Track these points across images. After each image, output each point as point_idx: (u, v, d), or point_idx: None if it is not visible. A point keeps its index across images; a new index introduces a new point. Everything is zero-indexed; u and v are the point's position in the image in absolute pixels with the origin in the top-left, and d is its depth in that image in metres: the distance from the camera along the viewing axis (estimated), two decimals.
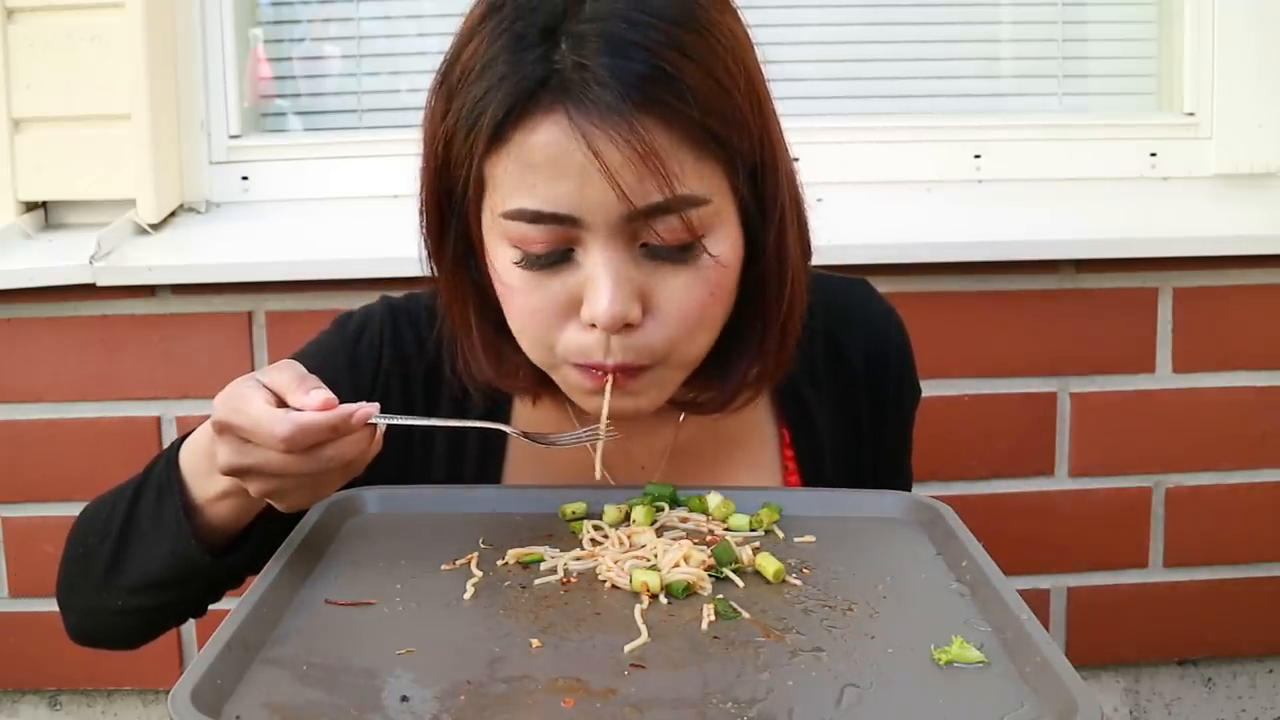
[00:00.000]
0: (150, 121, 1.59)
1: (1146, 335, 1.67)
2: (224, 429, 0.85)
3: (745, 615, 0.85)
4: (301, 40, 1.80)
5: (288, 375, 0.87)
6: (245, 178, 1.72)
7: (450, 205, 0.96)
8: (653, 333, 0.92)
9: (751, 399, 1.04)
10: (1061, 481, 1.69)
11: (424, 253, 1.02)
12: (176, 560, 0.97)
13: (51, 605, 1.64)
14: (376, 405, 0.86)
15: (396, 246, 1.58)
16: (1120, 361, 1.67)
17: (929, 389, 1.67)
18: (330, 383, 0.94)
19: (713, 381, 1.01)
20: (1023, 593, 0.85)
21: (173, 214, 1.67)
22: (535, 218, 0.89)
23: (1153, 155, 1.75)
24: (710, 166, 0.90)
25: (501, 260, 0.93)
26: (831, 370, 1.13)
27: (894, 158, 1.74)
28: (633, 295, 0.90)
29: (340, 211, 1.70)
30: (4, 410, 1.63)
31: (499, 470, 1.09)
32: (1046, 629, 0.80)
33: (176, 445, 1.00)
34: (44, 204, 1.68)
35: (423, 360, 1.08)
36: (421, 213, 1.00)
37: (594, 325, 0.91)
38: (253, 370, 1.61)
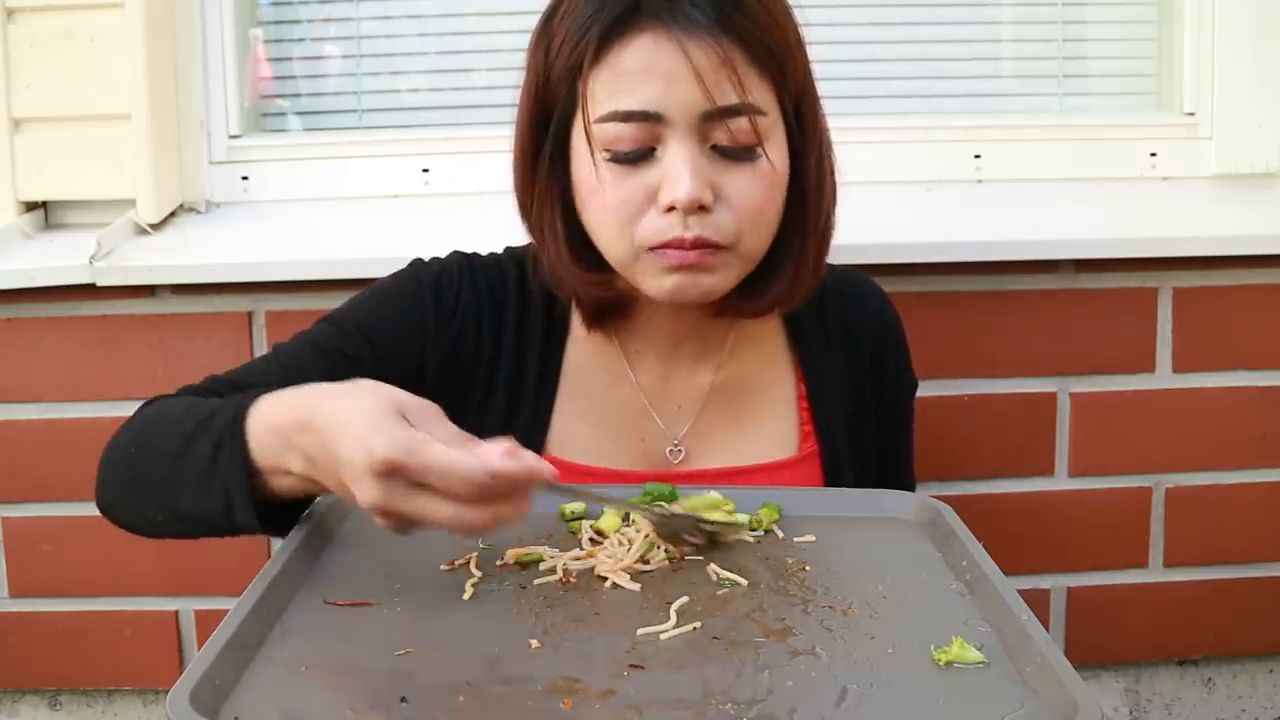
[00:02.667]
0: (150, 121, 1.59)
1: (1146, 335, 1.67)
2: (394, 471, 0.82)
3: (743, 582, 0.88)
4: (301, 40, 1.80)
5: (444, 425, 0.86)
6: (245, 178, 1.72)
7: (546, 126, 1.12)
8: (723, 217, 1.07)
9: (784, 307, 1.19)
10: (1061, 481, 1.69)
11: (516, 178, 1.16)
12: (221, 517, 0.97)
13: (52, 605, 1.66)
14: (552, 468, 0.85)
15: (396, 246, 1.59)
16: (1120, 361, 1.67)
17: (929, 389, 1.67)
18: (415, 310, 1.19)
19: (755, 288, 1.14)
20: (1023, 593, 0.85)
21: (173, 214, 1.67)
22: (626, 117, 1.05)
23: (1153, 155, 1.75)
24: (768, 87, 1.08)
25: (592, 163, 1.08)
26: (843, 340, 1.25)
27: (894, 158, 1.74)
28: (705, 183, 1.06)
29: (340, 211, 1.70)
30: (4, 410, 1.62)
31: (549, 414, 1.19)
32: (1046, 629, 0.80)
33: (240, 405, 0.96)
34: (44, 204, 1.68)
35: (492, 302, 1.21)
36: (518, 142, 1.15)
37: (671, 209, 1.05)
38: None
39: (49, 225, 1.68)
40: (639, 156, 1.06)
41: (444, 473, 0.81)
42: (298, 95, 1.81)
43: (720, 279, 1.10)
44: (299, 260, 1.59)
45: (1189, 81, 1.75)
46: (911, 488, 1.32)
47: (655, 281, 1.09)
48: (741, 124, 1.06)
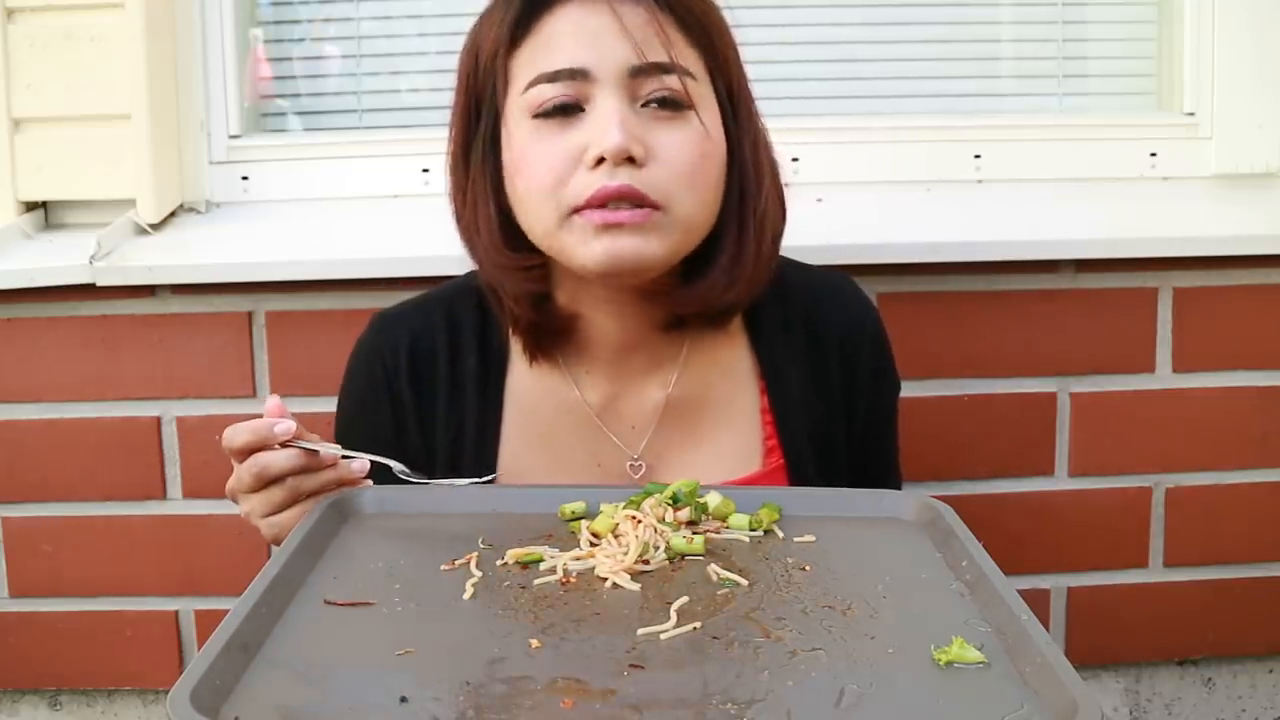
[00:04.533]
0: (150, 121, 1.59)
1: (1146, 335, 1.67)
2: None
3: (743, 582, 0.88)
4: (301, 40, 1.80)
5: None
6: (245, 178, 1.72)
7: (478, 113, 1.12)
8: (654, 173, 1.06)
9: (734, 312, 1.17)
10: (1061, 481, 1.68)
11: (450, 176, 1.17)
12: None
13: (52, 605, 1.66)
14: (292, 426, 1.01)
15: (396, 246, 1.59)
16: (1120, 361, 1.67)
17: (930, 389, 1.67)
18: (370, 404, 1.20)
19: (696, 291, 1.13)
20: (1023, 593, 0.85)
21: (173, 214, 1.67)
22: (553, 77, 1.06)
23: (1153, 155, 1.75)
24: (696, 55, 1.09)
25: (521, 132, 1.08)
26: (809, 348, 1.21)
27: (894, 158, 1.74)
28: (634, 137, 1.05)
29: (340, 211, 1.70)
30: (4, 410, 1.62)
31: (494, 450, 1.18)
32: (1046, 629, 0.80)
33: None
34: (44, 204, 1.68)
35: (418, 353, 1.21)
36: (452, 138, 1.16)
37: (600, 161, 1.04)
38: (251, 370, 1.63)
39: (49, 225, 1.68)
40: (566, 110, 1.06)
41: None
42: (298, 95, 1.81)
43: (654, 243, 1.06)
44: (299, 260, 1.59)
45: (1189, 81, 1.75)
46: (897, 487, 1.31)
47: (585, 250, 1.06)
48: (671, 80, 1.06)
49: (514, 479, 1.17)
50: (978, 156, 1.74)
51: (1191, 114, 1.75)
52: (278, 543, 1.04)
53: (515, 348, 1.20)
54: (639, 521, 0.96)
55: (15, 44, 1.60)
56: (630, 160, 1.04)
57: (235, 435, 1.02)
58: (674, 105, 1.07)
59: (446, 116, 1.80)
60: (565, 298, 1.15)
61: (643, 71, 1.06)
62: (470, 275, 1.22)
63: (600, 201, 1.04)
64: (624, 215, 1.04)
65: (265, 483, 1.02)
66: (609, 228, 1.05)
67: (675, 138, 1.07)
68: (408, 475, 1.04)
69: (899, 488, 1.30)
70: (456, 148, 1.15)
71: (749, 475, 1.18)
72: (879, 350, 1.26)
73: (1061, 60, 1.81)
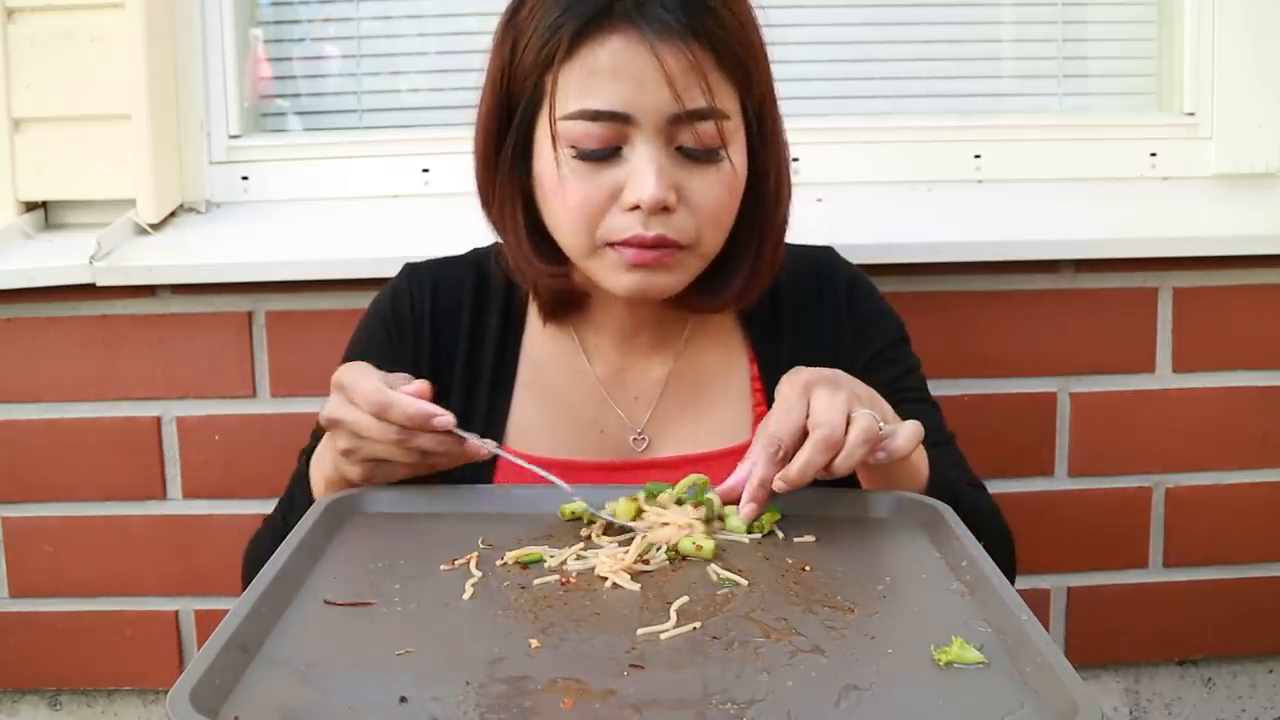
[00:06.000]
0: (150, 121, 1.59)
1: (1146, 335, 1.67)
2: (338, 387, 1.03)
3: (743, 582, 0.88)
4: (301, 40, 1.80)
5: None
6: (245, 178, 1.72)
7: (509, 120, 1.13)
8: (684, 218, 1.09)
9: (740, 305, 1.22)
10: (1061, 481, 1.69)
11: (477, 170, 1.18)
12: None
13: (52, 605, 1.66)
14: (453, 420, 1.01)
15: (396, 246, 1.59)
16: (1120, 361, 1.67)
17: (930, 389, 1.67)
18: (387, 348, 1.22)
19: (713, 286, 1.18)
20: (1023, 593, 0.85)
21: (173, 214, 1.67)
22: (595, 116, 1.07)
23: (1153, 155, 1.75)
24: (733, 91, 1.10)
25: (557, 157, 1.09)
26: (796, 324, 1.26)
27: (894, 158, 1.74)
28: (670, 185, 1.08)
29: (340, 211, 1.70)
30: (4, 410, 1.63)
31: (506, 408, 1.22)
32: (1046, 629, 0.80)
33: (305, 462, 1.15)
34: (44, 204, 1.68)
35: (444, 306, 1.25)
36: (479, 135, 1.16)
37: (635, 208, 1.07)
38: (251, 370, 1.63)
39: (49, 225, 1.69)
40: (605, 155, 1.08)
41: (356, 388, 1.01)
42: (298, 95, 1.81)
43: (677, 277, 1.12)
44: (299, 260, 1.59)
45: (1189, 81, 1.75)
46: (948, 433, 1.31)
47: (613, 277, 1.11)
48: (708, 127, 1.08)
49: (522, 435, 1.21)
50: (978, 156, 1.74)
51: (1191, 114, 1.75)
52: (364, 481, 1.05)
53: (532, 311, 1.25)
54: (666, 524, 0.97)
55: (15, 44, 1.60)
56: (664, 209, 1.08)
57: (388, 410, 1.00)
58: (708, 150, 1.09)
59: (447, 116, 1.81)
60: (581, 278, 1.19)
61: (681, 120, 1.07)
62: (500, 245, 1.26)
63: (633, 244, 1.09)
64: (651, 256, 1.09)
65: (406, 450, 1.02)
66: (638, 266, 1.10)
67: (706, 182, 1.09)
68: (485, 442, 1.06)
69: (938, 423, 1.29)
70: (485, 140, 1.16)
71: (742, 444, 1.19)
72: (857, 306, 1.29)
73: (1061, 60, 1.82)
